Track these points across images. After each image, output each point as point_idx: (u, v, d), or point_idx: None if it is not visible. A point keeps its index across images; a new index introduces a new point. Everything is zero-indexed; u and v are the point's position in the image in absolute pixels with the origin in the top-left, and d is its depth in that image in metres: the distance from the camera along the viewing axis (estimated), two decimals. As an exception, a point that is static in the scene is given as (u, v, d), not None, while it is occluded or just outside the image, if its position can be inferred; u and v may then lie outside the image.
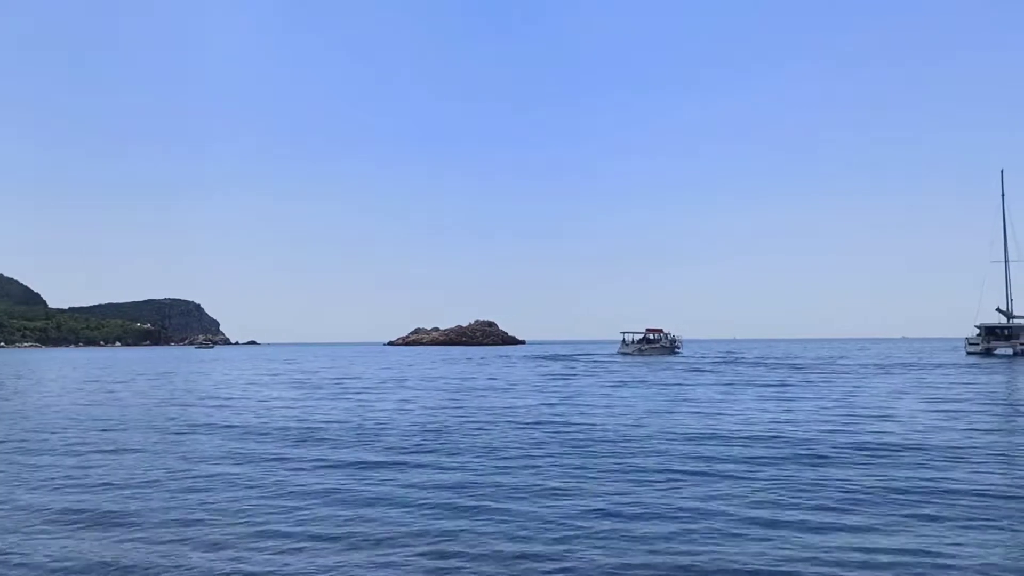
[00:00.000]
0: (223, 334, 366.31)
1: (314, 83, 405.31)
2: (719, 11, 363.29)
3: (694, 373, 45.87)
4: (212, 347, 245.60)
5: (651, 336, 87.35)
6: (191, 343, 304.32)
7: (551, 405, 24.75)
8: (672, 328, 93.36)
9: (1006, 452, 14.21)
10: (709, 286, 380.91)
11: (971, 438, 15.98)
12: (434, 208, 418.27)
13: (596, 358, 79.30)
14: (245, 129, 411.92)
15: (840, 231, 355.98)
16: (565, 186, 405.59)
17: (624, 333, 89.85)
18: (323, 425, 19.36)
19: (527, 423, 19.39)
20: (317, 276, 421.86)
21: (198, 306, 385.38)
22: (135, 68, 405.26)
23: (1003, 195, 77.40)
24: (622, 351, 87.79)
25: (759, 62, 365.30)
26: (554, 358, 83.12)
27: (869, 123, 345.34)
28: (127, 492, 11.13)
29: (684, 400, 26.14)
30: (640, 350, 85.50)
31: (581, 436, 16.69)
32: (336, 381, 41.44)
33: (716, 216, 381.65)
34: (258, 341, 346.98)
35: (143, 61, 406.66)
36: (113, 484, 11.78)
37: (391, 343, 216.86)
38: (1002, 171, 78.70)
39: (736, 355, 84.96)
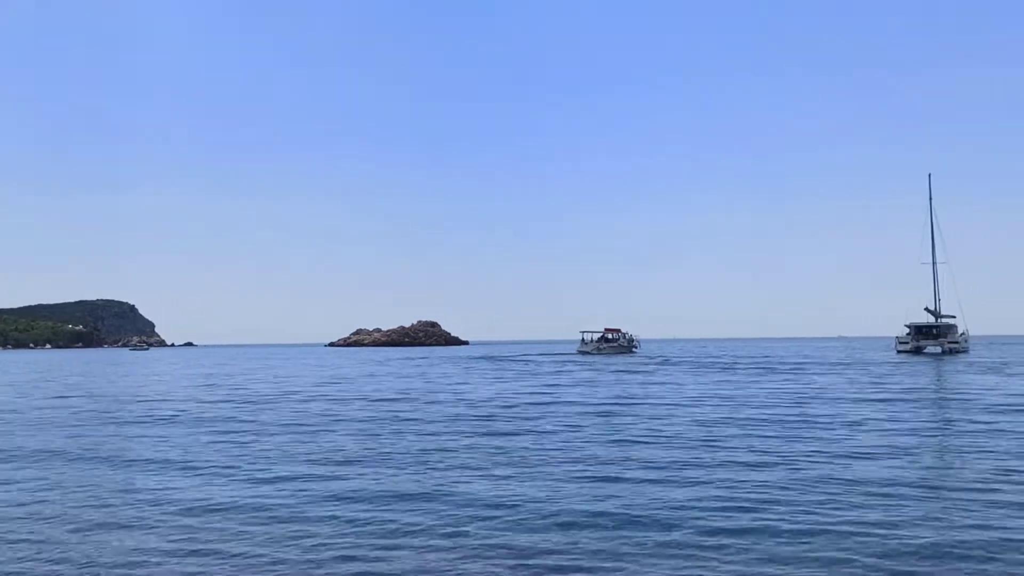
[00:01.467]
0: (159, 335, 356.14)
1: (256, 77, 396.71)
2: (685, 13, 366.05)
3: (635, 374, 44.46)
4: (147, 349, 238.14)
5: (609, 336, 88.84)
6: (125, 345, 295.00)
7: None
8: (628, 327, 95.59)
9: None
10: (662, 287, 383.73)
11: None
12: (380, 206, 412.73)
13: (534, 359, 77.94)
14: (180, 124, 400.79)
15: (784, 233, 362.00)
16: (515, 185, 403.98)
17: (583, 332, 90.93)
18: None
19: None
20: (257, 276, 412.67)
21: (132, 307, 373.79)
22: (65, 59, 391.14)
23: (930, 198, 78.43)
24: (581, 350, 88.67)
25: (718, 66, 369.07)
26: (493, 359, 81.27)
27: (814, 127, 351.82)
28: None
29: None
30: (599, 349, 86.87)
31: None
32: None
33: (669, 217, 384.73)
34: (195, 343, 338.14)
35: (75, 52, 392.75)
36: None
37: (332, 344, 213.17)
38: (929, 175, 79.80)
39: (678, 356, 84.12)
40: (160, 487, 11.65)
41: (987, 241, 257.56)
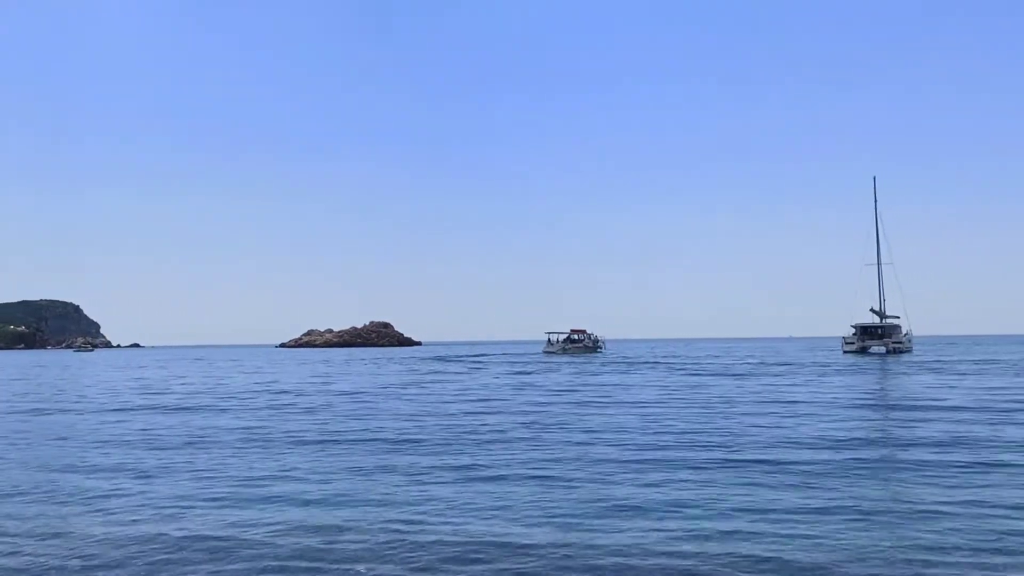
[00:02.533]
0: (104, 336, 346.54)
1: (206, 75, 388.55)
2: (641, 20, 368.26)
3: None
4: (92, 350, 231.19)
5: (575, 336, 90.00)
6: (69, 346, 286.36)
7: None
8: (593, 328, 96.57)
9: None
10: (631, 288, 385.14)
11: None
12: (334, 206, 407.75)
13: (488, 358, 77.25)
14: (126, 120, 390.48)
15: (741, 236, 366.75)
16: (471, 185, 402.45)
17: (549, 333, 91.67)
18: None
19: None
20: (207, 276, 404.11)
21: (77, 307, 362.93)
22: (7, 53, 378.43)
23: (875, 201, 79.85)
24: (547, 350, 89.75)
25: (677, 75, 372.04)
26: (449, 359, 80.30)
27: (770, 134, 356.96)
28: None
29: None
30: (564, 349, 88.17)
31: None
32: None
33: (634, 221, 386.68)
34: (142, 344, 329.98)
35: (19, 45, 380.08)
36: None
37: (283, 345, 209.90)
38: (874, 178, 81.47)
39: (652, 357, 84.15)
40: None
41: (928, 243, 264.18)
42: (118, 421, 22.61)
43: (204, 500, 10.85)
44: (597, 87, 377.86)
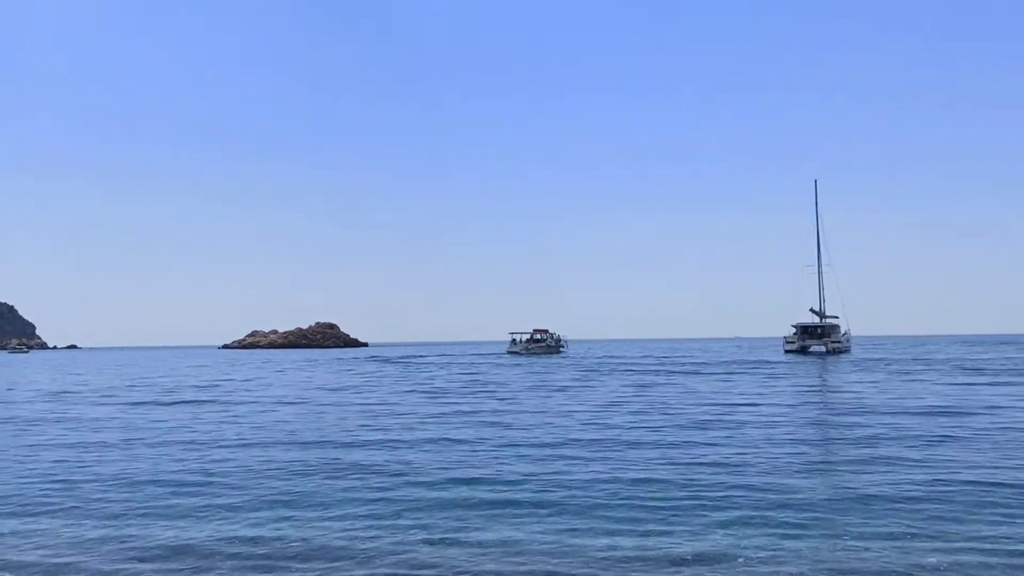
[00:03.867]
0: (39, 338, 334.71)
1: (147, 72, 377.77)
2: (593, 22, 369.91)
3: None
4: (27, 352, 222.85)
5: (537, 336, 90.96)
6: (3, 348, 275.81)
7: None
8: (559, 328, 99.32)
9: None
10: (589, 289, 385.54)
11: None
12: (279, 204, 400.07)
13: (436, 359, 76.20)
14: (66, 113, 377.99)
15: (690, 239, 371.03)
16: (426, 184, 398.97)
17: (512, 333, 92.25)
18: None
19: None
20: (149, 276, 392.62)
21: (11, 308, 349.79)
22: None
23: (816, 204, 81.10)
24: (510, 350, 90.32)
25: (626, 83, 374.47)
26: (376, 359, 78.92)
27: (715, 141, 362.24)
28: None
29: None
30: (527, 349, 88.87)
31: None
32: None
33: (582, 223, 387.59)
34: (79, 345, 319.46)
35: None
36: None
37: (226, 346, 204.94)
38: (815, 181, 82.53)
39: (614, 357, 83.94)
40: None
41: (865, 246, 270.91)
42: None
43: None
44: (550, 93, 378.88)
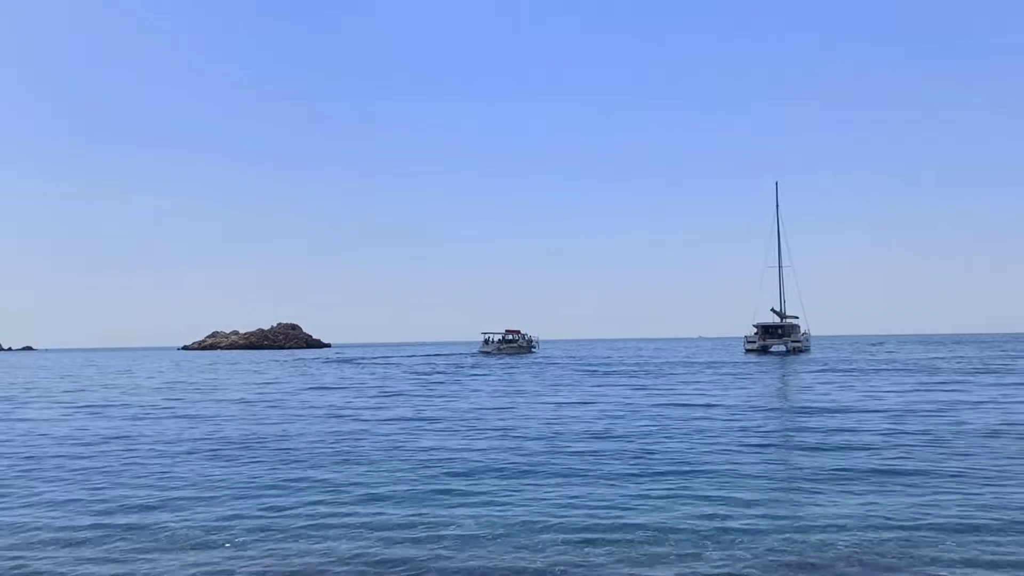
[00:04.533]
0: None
1: (110, 67, 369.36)
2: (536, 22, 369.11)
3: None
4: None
5: (509, 336, 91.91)
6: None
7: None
8: (529, 328, 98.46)
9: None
10: (557, 290, 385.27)
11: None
12: (241, 202, 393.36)
13: (402, 359, 74.80)
14: (23, 107, 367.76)
15: (655, 241, 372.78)
16: (385, 186, 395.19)
17: (485, 334, 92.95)
18: None
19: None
20: (107, 275, 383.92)
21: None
22: None
23: (777, 205, 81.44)
24: (482, 350, 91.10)
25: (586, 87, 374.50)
26: (330, 360, 77.36)
27: (680, 141, 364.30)
28: None
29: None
30: (499, 349, 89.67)
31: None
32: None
33: (552, 224, 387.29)
34: (35, 347, 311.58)
35: None
36: None
37: (186, 348, 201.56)
38: (776, 183, 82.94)
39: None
40: None
41: (824, 247, 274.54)
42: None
43: None
44: (513, 92, 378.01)
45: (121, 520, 9.61)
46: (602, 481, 11.57)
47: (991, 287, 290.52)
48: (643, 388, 31.82)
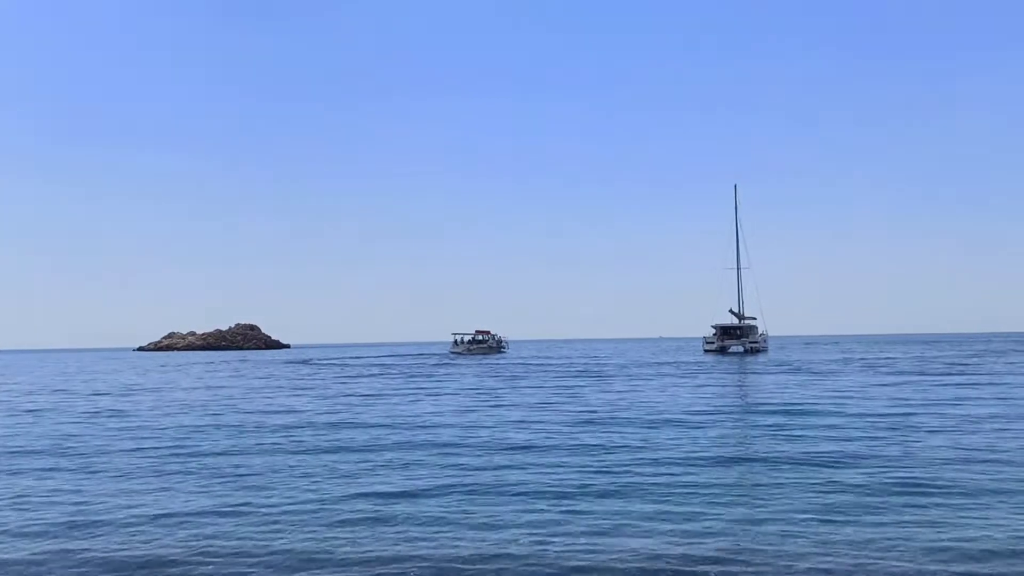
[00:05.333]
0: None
1: (63, 67, 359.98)
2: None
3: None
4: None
5: (479, 337, 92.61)
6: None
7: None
8: (498, 329, 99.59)
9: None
10: (522, 291, 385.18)
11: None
12: (198, 200, 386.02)
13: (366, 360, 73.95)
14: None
15: (616, 244, 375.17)
16: (346, 187, 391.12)
17: (455, 334, 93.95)
18: None
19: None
20: (63, 275, 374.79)
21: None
22: None
23: (736, 207, 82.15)
24: (453, 351, 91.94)
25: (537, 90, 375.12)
26: (292, 363, 76.28)
27: (639, 143, 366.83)
28: None
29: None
30: (469, 350, 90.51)
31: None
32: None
33: (516, 227, 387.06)
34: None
35: None
36: None
37: (142, 348, 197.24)
38: (735, 186, 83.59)
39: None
40: None
41: (781, 248, 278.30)
42: None
43: None
44: (476, 93, 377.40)
45: None
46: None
47: (945, 288, 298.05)
48: (593, 390, 31.79)
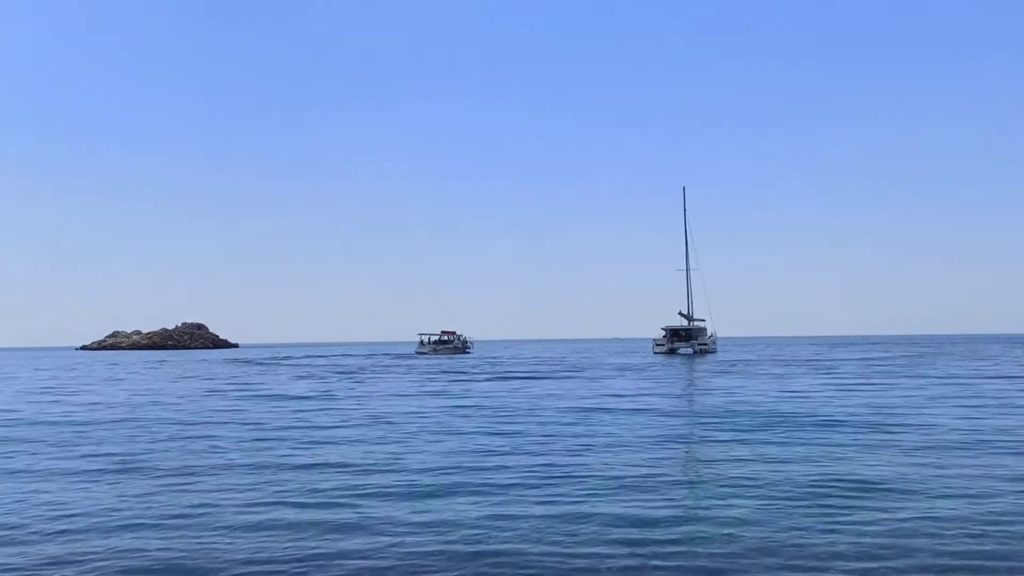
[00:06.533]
0: None
1: (14, 66, 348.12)
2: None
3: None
4: None
5: (445, 337, 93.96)
6: None
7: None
8: (464, 330, 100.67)
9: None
10: (488, 291, 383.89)
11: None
12: (154, 201, 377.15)
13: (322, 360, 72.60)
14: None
15: (568, 245, 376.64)
16: (294, 188, 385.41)
17: (421, 335, 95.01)
18: None
19: None
20: (5, 271, 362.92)
21: None
22: None
23: (685, 210, 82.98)
24: (419, 351, 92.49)
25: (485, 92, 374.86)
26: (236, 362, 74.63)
27: (589, 145, 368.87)
28: None
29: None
30: (435, 350, 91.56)
31: None
32: None
33: (468, 228, 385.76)
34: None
35: None
36: None
37: (85, 348, 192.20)
38: (684, 188, 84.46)
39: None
40: None
41: (730, 251, 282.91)
42: None
43: None
44: (431, 95, 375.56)
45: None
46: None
47: (891, 290, 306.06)
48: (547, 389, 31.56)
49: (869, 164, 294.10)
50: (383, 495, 10.39)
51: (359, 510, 9.46)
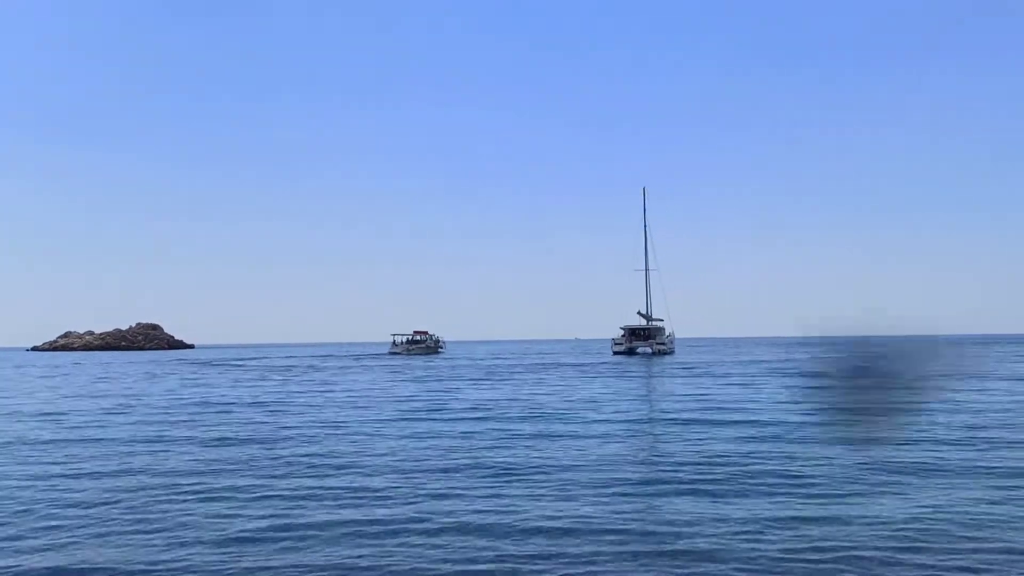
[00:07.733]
0: None
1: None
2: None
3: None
4: None
5: (417, 337, 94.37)
6: None
7: None
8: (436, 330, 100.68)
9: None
10: (460, 291, 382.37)
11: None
12: (111, 199, 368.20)
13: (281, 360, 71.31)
14: None
15: (535, 246, 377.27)
16: (260, 186, 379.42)
17: (393, 335, 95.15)
18: None
19: None
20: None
21: None
22: None
23: (644, 211, 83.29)
24: (392, 351, 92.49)
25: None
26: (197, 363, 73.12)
27: (550, 146, 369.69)
28: None
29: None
30: (408, 350, 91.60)
31: None
32: None
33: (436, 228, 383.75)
34: None
35: None
36: None
37: (36, 348, 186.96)
38: (644, 189, 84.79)
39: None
40: None
41: (689, 251, 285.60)
42: None
43: None
44: (404, 96, 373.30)
45: None
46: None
47: (849, 289, 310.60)
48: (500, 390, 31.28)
49: (831, 165, 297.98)
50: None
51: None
